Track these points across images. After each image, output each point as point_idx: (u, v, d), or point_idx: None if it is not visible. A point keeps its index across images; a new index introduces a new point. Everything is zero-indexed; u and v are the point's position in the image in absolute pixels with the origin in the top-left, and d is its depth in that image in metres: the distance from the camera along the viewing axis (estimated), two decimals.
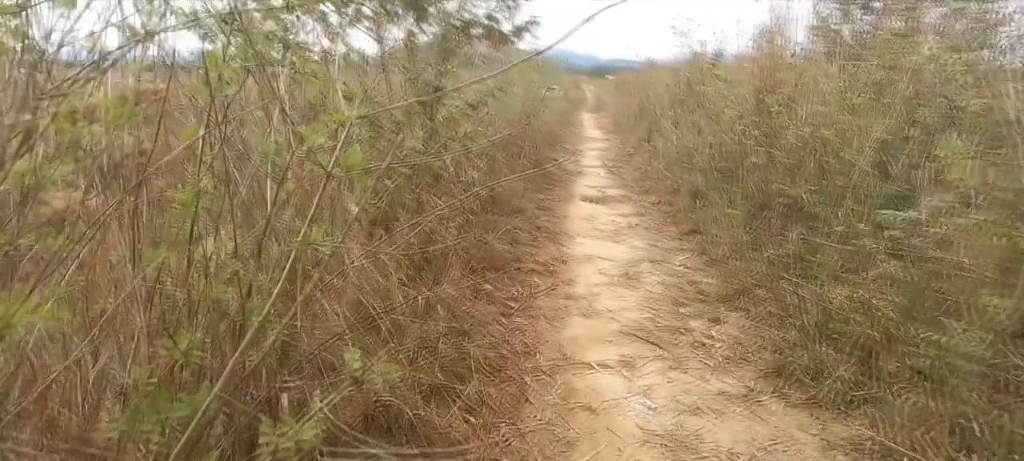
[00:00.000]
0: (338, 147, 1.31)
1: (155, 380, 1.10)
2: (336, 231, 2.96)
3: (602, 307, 3.93)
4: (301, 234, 1.29)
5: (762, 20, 9.40)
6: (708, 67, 9.08)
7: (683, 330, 3.59)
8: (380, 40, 5.40)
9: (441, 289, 3.53)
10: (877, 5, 6.56)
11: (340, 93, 1.40)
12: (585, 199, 7.01)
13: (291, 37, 4.38)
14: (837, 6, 7.48)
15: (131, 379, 1.20)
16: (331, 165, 1.27)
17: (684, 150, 7.20)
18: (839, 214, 3.97)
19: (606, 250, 5.09)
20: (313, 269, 2.38)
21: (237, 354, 1.16)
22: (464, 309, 3.39)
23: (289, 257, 1.29)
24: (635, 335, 3.54)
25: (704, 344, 3.42)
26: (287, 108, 1.77)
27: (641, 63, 15.01)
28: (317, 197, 1.30)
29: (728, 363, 3.22)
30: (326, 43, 5.08)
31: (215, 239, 1.42)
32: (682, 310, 3.88)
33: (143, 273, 1.31)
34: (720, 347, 3.38)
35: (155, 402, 1.04)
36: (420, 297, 3.02)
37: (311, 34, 4.86)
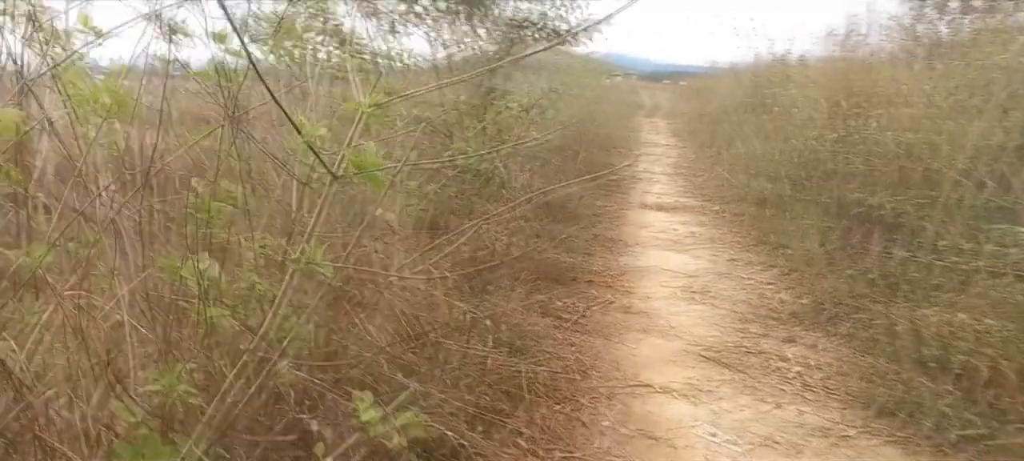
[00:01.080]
0: (347, 142, 1.13)
1: (138, 419, 0.94)
2: (374, 241, 2.80)
3: (664, 323, 3.66)
4: (300, 251, 1.11)
5: (834, 20, 8.91)
6: (778, 69, 8.64)
7: (754, 351, 3.29)
8: (436, 42, 5.27)
9: (491, 301, 3.33)
10: (976, 3, 6.06)
11: (356, 81, 1.22)
12: (645, 206, 6.72)
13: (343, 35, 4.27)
14: (921, 3, 6.97)
15: (128, 415, 1.03)
16: (339, 165, 1.08)
17: (751, 155, 6.83)
18: (930, 227, 3.59)
19: (668, 260, 4.80)
20: (346, 284, 2.21)
21: (231, 391, 0.98)
22: (516, 323, 3.18)
23: (289, 277, 1.11)
24: (701, 355, 3.25)
25: (779, 368, 3.11)
26: (315, 107, 1.60)
27: (703, 66, 14.55)
28: (320, 203, 1.11)
29: (807, 390, 2.91)
30: (380, 43, 4.97)
31: (215, 254, 1.26)
32: (752, 328, 3.57)
33: (143, 290, 1.14)
34: (797, 371, 3.06)
35: (139, 446, 0.88)
36: (468, 311, 2.82)
37: (364, 33, 4.76)
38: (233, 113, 1.26)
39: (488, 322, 2.84)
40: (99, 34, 1.16)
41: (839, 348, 3.26)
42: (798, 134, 5.94)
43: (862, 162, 4.77)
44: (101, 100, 1.09)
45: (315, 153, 1.10)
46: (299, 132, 1.10)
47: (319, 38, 4.15)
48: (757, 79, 9.21)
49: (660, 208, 6.64)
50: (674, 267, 4.63)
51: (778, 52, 8.91)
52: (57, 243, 1.20)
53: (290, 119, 1.08)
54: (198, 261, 1.13)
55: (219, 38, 1.30)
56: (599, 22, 5.79)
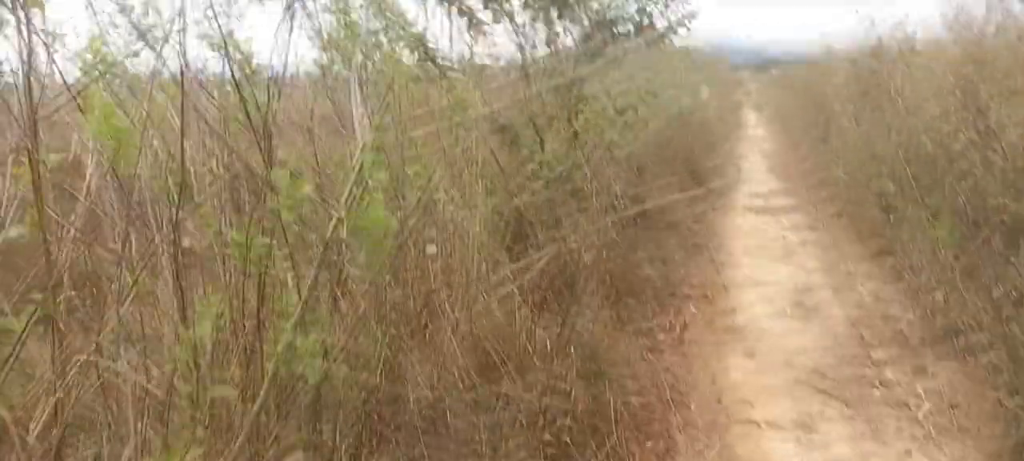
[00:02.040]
0: (346, 198, 0.96)
1: None
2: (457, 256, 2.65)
3: (770, 345, 3.32)
4: (282, 342, 0.95)
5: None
6: (902, 54, 7.88)
7: (876, 382, 2.91)
8: (522, 44, 5.09)
9: (576, 321, 3.13)
10: None
11: (359, 110, 1.05)
12: (749, 209, 6.28)
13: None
14: None
15: None
16: (331, 229, 0.92)
17: (870, 153, 6.22)
18: None
19: (774, 272, 4.41)
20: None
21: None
22: (604, 345, 2.95)
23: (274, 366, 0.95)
24: (813, 385, 2.91)
25: (906, 403, 2.72)
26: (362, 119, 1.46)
27: (815, 53, 13.60)
28: (311, 277, 0.95)
29: (941, 433, 2.52)
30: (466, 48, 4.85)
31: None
32: (874, 354, 3.17)
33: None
34: (929, 409, 2.67)
35: None
36: (551, 333, 2.62)
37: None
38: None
39: (572, 348, 2.64)
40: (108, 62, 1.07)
41: (980, 382, 2.82)
42: (926, 129, 5.33)
43: (1004, 162, 4.18)
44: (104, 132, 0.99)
45: (297, 214, 0.94)
46: (272, 190, 0.94)
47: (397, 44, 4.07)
48: (877, 66, 8.44)
49: (767, 212, 6.18)
50: (783, 280, 4.24)
51: (902, 35, 8.12)
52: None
53: (263, 180, 0.94)
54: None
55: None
56: (693, 14, 5.40)
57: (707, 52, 15.02)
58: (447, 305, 2.30)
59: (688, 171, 6.80)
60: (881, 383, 2.89)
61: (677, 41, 9.19)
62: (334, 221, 0.95)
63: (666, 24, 5.94)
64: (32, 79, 0.97)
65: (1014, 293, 3.22)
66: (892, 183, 5.24)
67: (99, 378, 1.12)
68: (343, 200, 0.98)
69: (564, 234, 3.67)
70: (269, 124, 1.33)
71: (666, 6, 5.90)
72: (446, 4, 4.83)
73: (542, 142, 4.24)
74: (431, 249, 2.29)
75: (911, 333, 3.32)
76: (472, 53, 4.81)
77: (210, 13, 1.75)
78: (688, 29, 6.00)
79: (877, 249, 4.57)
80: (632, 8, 5.72)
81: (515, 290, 2.70)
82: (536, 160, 3.48)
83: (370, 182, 0.93)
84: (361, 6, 3.85)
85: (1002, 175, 4.23)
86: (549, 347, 2.66)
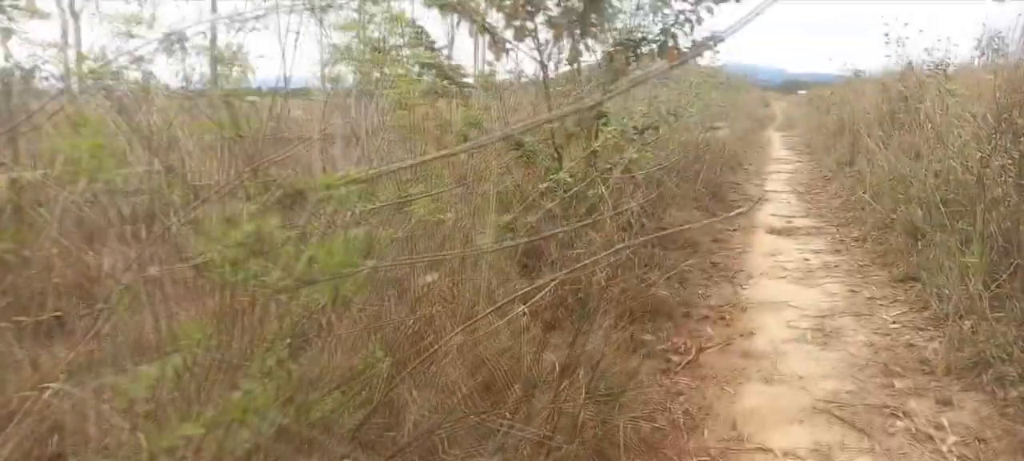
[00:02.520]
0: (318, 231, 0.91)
1: None
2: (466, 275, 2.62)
3: (789, 371, 3.23)
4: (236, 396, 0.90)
5: (998, 24, 7.84)
6: (934, 78, 7.75)
7: (899, 413, 2.80)
8: (544, 62, 5.07)
9: (587, 342, 3.06)
10: None
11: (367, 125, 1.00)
12: (770, 231, 6.16)
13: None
14: None
15: None
16: (282, 272, 0.87)
17: (897, 177, 6.08)
18: None
19: (795, 295, 4.30)
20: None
21: None
22: (615, 368, 2.89)
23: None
24: (833, 414, 2.81)
25: (930, 436, 2.62)
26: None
27: (842, 75, 13.43)
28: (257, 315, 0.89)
29: None
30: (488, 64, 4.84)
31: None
32: (897, 384, 3.06)
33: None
34: (954, 444, 2.56)
35: None
36: (560, 355, 2.57)
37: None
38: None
39: (581, 371, 2.58)
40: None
41: (1008, 416, 2.71)
42: (958, 154, 5.20)
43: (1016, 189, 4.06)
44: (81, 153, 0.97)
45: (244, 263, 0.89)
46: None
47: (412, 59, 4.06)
48: (906, 89, 8.30)
49: (789, 233, 6.07)
50: (803, 304, 4.13)
51: (932, 59, 7.97)
52: None
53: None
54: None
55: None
56: (719, 38, 5.34)
57: (734, 73, 14.94)
58: (450, 325, 2.26)
59: (710, 191, 6.72)
60: (904, 413, 2.79)
61: (703, 62, 9.13)
62: (305, 258, 0.90)
63: (690, 45, 5.89)
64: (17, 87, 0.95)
65: None
66: (920, 209, 5.11)
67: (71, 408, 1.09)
68: (313, 233, 0.94)
69: (578, 253, 3.62)
70: (260, 139, 1.31)
71: (692, 29, 5.85)
72: (469, 22, 4.84)
73: (560, 159, 4.21)
74: (429, 278, 2.24)
75: (936, 362, 3.20)
76: (493, 70, 4.81)
77: (213, 24, 1.75)
78: (714, 51, 5.94)
79: (904, 275, 4.44)
80: (656, 29, 5.68)
81: (524, 310, 2.65)
82: (551, 177, 3.43)
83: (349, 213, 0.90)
84: (376, 20, 3.86)
85: None
86: (557, 369, 2.61)
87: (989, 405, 2.80)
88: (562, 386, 2.39)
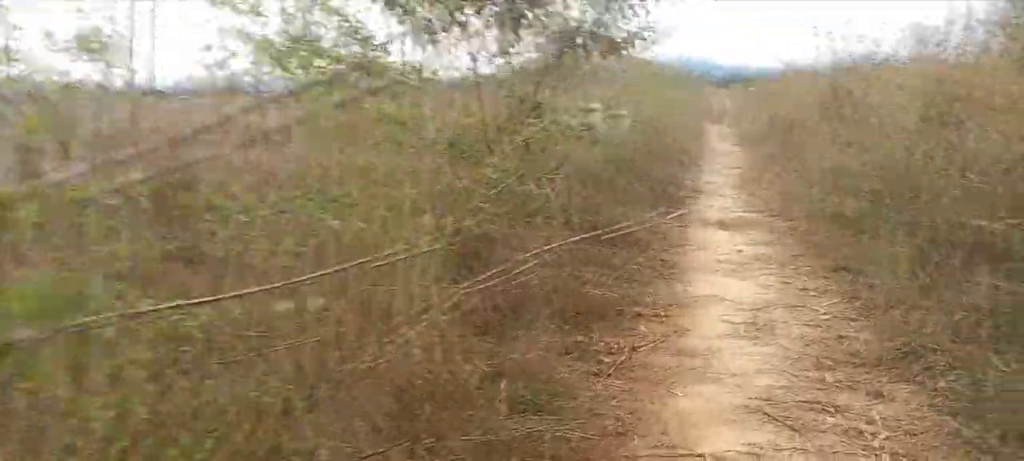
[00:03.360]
0: None
1: None
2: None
3: (723, 368, 3.15)
4: None
5: (922, 20, 8.05)
6: (861, 71, 7.91)
7: (831, 407, 2.75)
8: (474, 54, 4.91)
9: (515, 346, 2.93)
10: None
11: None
12: (711, 224, 6.15)
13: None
14: None
15: None
16: None
17: (827, 167, 6.15)
18: None
19: (731, 289, 4.26)
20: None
21: None
22: (543, 376, 2.75)
23: None
24: (766, 412, 2.74)
25: (861, 432, 2.56)
26: None
27: (778, 70, 13.69)
28: None
29: None
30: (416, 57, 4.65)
31: None
32: (829, 377, 3.02)
33: None
34: (885, 439, 2.51)
35: None
36: (483, 365, 2.42)
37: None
38: None
39: (506, 381, 2.43)
40: None
41: (939, 408, 2.68)
42: (883, 145, 5.27)
43: (961, 178, 4.11)
44: None
45: None
46: None
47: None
48: (836, 82, 8.45)
49: (724, 225, 6.06)
50: (737, 297, 4.09)
51: (861, 53, 8.13)
52: None
53: None
54: None
55: None
56: (655, 30, 5.27)
57: (681, 69, 15.05)
58: (361, 345, 2.08)
59: (652, 185, 6.68)
60: (835, 409, 2.73)
61: (648, 57, 9.09)
62: None
63: (624, 35, 5.81)
64: None
65: (974, 313, 3.10)
66: (853, 199, 5.15)
67: None
68: None
69: (512, 253, 3.48)
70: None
71: (626, 19, 5.77)
72: (393, 9, 4.64)
73: (492, 153, 4.06)
74: (315, 302, 2.05)
75: (867, 353, 3.17)
76: (422, 65, 4.62)
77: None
78: (646, 40, 5.87)
79: (835, 265, 4.45)
80: (589, 20, 5.57)
81: (445, 319, 2.48)
82: (480, 174, 3.28)
83: None
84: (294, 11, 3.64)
85: (969, 195, 4.14)
86: (479, 380, 2.46)
87: (919, 395, 2.77)
88: (481, 400, 2.25)
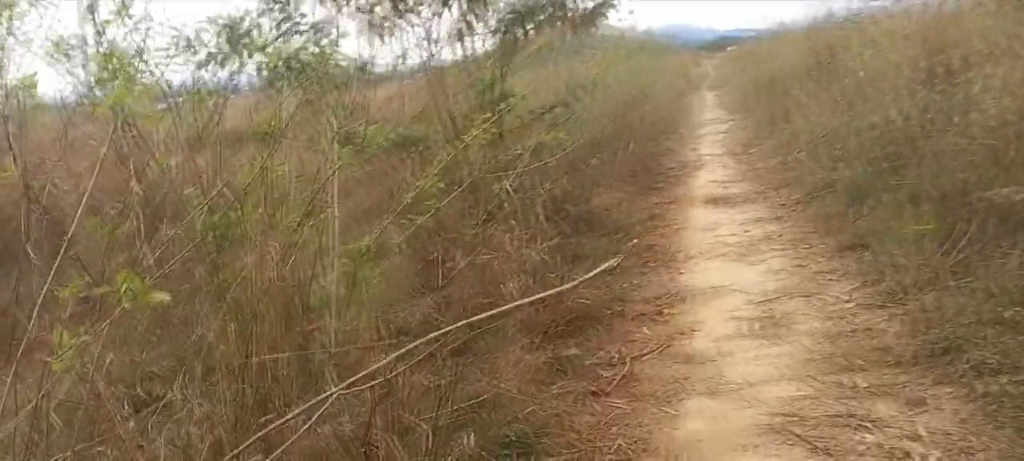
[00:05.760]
0: None
1: None
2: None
3: (735, 376, 2.76)
4: None
5: None
6: (851, 27, 7.50)
7: (867, 422, 2.35)
8: (430, 41, 4.43)
9: (487, 367, 2.51)
10: None
11: None
12: (706, 201, 5.73)
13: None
14: None
15: None
16: None
17: (825, 133, 5.74)
18: None
19: (737, 276, 3.86)
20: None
21: None
22: (526, 407, 2.34)
23: None
24: (789, 432, 2.35)
25: (908, 453, 2.17)
26: None
27: (768, 30, 13.25)
28: None
29: None
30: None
31: None
32: (860, 381, 2.62)
33: None
34: (938, 459, 2.11)
35: None
36: (432, 400, 2.00)
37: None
38: None
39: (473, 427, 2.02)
40: None
41: (992, 419, 2.27)
42: (891, 103, 4.86)
43: (986, 135, 3.71)
44: None
45: None
46: None
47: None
48: (829, 40, 8.03)
49: (726, 203, 5.64)
50: (747, 286, 3.68)
51: (851, 7, 7.71)
52: None
53: None
54: None
55: None
56: (611, 3, 4.79)
57: (660, 36, 14.57)
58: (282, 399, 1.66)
59: (638, 164, 6.26)
60: (872, 424, 2.33)
61: (623, 27, 8.60)
62: None
63: (588, 8, 5.30)
64: None
65: (1017, 297, 2.70)
66: (858, 165, 4.74)
67: None
68: None
69: (483, 260, 3.06)
70: None
71: None
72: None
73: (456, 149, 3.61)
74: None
75: (901, 350, 2.76)
76: (371, 57, 4.17)
77: None
78: (615, 7, 5.37)
79: (849, 242, 4.04)
80: None
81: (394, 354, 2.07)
82: (439, 171, 2.85)
83: None
84: None
85: (979, 154, 3.75)
86: (449, 415, 2.04)
87: (969, 403, 2.37)
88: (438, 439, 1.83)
